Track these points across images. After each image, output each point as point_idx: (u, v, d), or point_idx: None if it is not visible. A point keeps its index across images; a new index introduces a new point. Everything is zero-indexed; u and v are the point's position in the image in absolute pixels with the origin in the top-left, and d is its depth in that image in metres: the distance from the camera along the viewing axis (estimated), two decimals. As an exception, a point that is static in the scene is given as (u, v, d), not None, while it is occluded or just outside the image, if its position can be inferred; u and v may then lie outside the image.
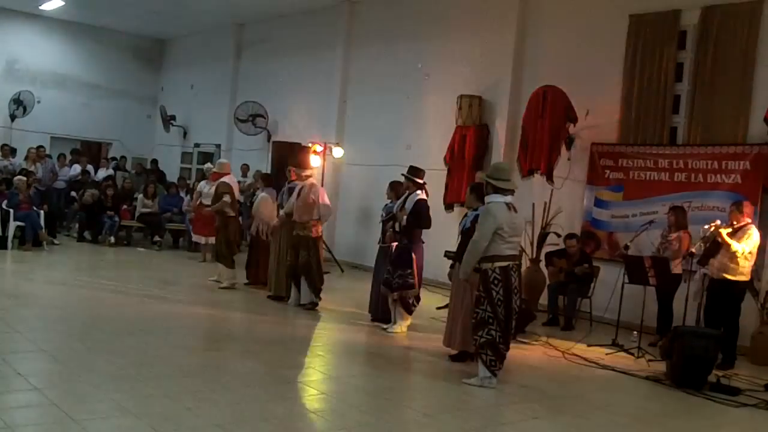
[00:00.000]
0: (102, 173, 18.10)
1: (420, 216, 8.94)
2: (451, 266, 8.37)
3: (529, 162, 11.32)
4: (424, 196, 9.03)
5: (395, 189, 9.61)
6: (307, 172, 10.25)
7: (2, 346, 6.78)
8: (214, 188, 11.67)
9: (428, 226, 9.08)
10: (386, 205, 9.84)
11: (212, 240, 12.58)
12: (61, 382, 5.97)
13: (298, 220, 9.91)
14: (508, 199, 6.93)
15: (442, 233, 10.99)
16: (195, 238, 14.37)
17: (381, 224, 9.70)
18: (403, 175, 9.24)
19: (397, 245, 9.10)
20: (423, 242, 9.19)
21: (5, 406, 5.26)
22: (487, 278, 6.79)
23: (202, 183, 13.69)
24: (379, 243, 9.78)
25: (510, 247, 6.89)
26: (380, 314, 9.51)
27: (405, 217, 8.94)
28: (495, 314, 6.77)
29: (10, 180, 14.72)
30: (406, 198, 9.06)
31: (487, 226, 6.77)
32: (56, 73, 20.84)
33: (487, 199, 6.98)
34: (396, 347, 8.45)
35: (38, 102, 19.67)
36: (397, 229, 9.09)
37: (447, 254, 10.09)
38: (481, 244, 6.78)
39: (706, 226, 8.67)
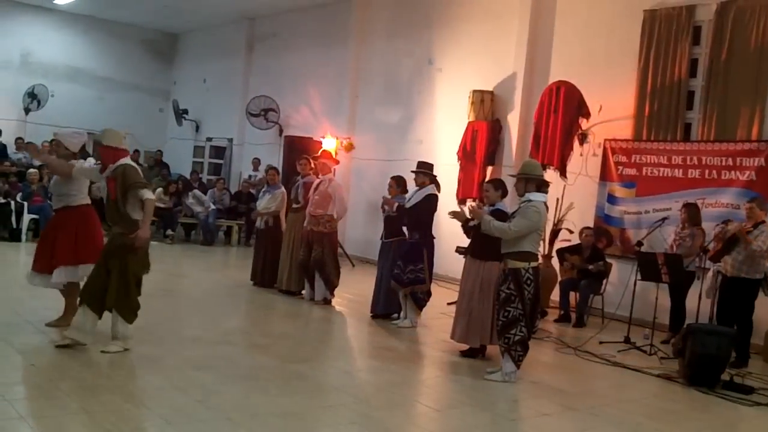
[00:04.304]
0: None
1: (423, 210, 8.89)
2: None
3: (541, 157, 11.27)
4: (435, 192, 9.00)
5: (400, 184, 9.48)
6: (333, 165, 10.32)
7: (15, 337, 6.81)
8: (106, 176, 6.69)
9: (427, 221, 8.98)
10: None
11: (82, 271, 6.94)
12: (73, 373, 5.98)
13: (312, 214, 9.90)
14: (547, 197, 7.03)
15: (454, 228, 10.94)
16: (56, 276, 6.97)
17: (384, 219, 9.60)
18: (414, 171, 9.15)
19: (407, 240, 9.08)
20: (434, 237, 9.16)
21: (17, 396, 5.29)
22: (520, 277, 6.82)
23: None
24: (381, 239, 9.70)
25: (539, 245, 7.07)
26: (381, 309, 9.45)
27: (396, 205, 9.03)
28: (525, 312, 6.85)
29: (24, 173, 14.81)
30: (417, 192, 9.02)
31: (530, 224, 6.79)
32: (70, 66, 20.91)
33: (530, 196, 6.91)
34: (406, 342, 8.44)
35: (52, 95, 19.77)
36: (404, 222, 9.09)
37: (458, 250, 10.06)
38: (511, 235, 6.82)
39: (722, 223, 8.61)
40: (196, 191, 16.52)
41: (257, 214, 11.19)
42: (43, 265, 7.09)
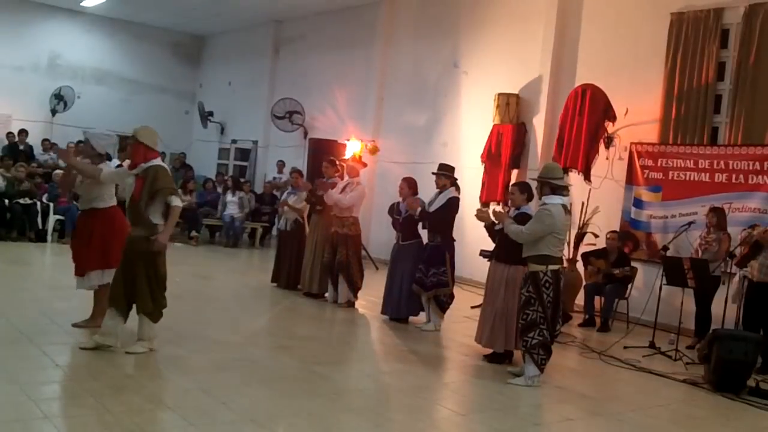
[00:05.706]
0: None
1: (446, 213, 8.88)
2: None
3: (564, 160, 11.21)
4: (457, 195, 8.98)
5: (411, 185, 9.36)
6: (360, 168, 10.49)
7: (41, 337, 6.87)
8: (134, 173, 6.62)
9: (449, 224, 8.98)
10: (398, 203, 9.60)
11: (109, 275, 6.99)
12: (98, 374, 6.03)
13: (338, 216, 9.94)
14: (566, 200, 7.01)
15: (478, 231, 10.91)
16: (88, 280, 7.27)
17: (399, 222, 9.50)
18: (435, 173, 9.12)
19: (428, 243, 9.07)
20: (454, 240, 9.14)
21: (43, 396, 5.34)
22: (539, 280, 6.82)
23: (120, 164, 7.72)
24: (398, 241, 9.56)
25: (561, 248, 7.03)
26: (395, 313, 9.37)
27: (419, 209, 8.97)
28: (545, 315, 6.84)
29: (50, 174, 14.96)
30: (439, 195, 9.01)
31: (543, 227, 6.78)
32: (97, 68, 21.11)
33: (545, 199, 6.93)
34: (430, 346, 8.42)
35: (79, 97, 19.95)
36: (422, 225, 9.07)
37: (483, 253, 10.03)
38: (524, 239, 6.86)
39: (749, 228, 8.53)
40: (244, 195, 16.51)
41: (284, 204, 11.21)
42: (80, 270, 7.25)
